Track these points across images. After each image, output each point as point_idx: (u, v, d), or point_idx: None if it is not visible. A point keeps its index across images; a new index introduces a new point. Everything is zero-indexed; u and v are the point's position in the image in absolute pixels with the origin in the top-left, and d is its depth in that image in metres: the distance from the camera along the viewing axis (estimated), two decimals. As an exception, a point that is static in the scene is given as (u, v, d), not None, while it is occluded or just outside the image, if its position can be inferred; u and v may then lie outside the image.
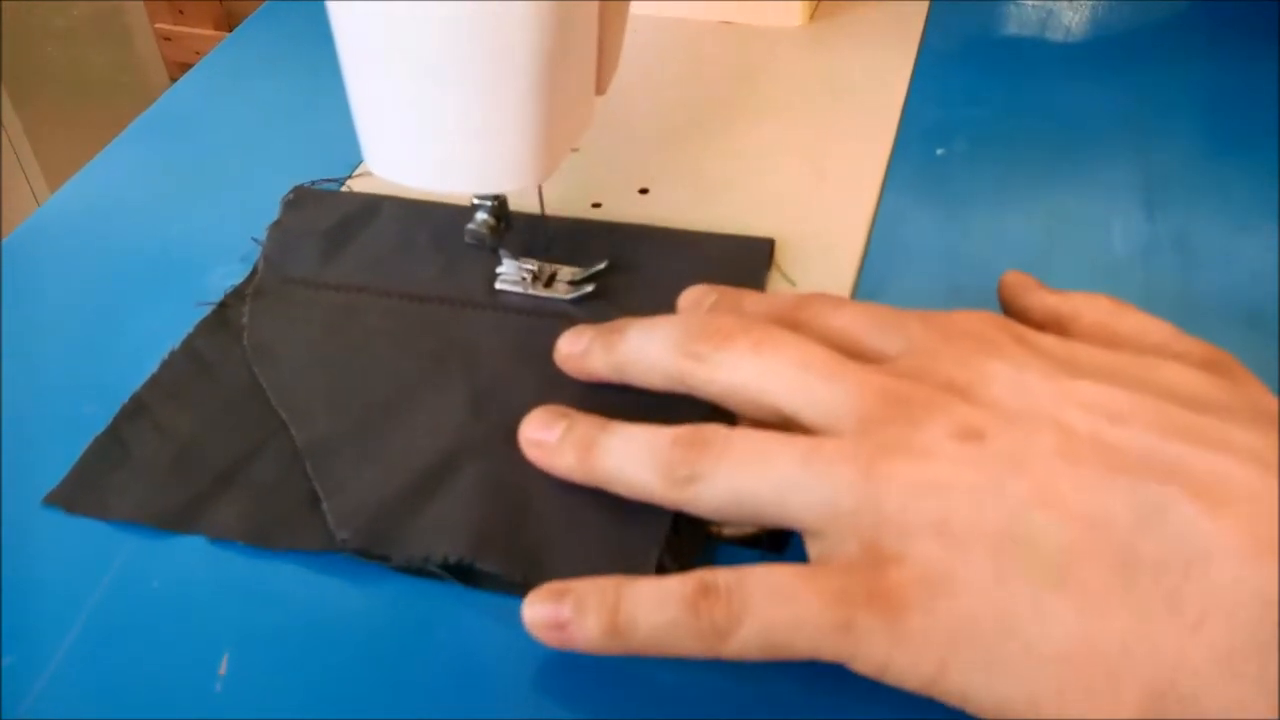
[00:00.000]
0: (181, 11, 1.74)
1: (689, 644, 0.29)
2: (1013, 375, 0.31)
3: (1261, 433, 0.28)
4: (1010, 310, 0.38)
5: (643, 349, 0.35)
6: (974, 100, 0.53)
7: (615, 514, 0.34)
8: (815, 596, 0.28)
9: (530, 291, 0.42)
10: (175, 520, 0.35)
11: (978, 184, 0.48)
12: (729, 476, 0.31)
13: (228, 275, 0.45)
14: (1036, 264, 0.43)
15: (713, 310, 0.37)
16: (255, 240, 0.46)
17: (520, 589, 0.32)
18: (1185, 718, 0.25)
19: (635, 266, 0.43)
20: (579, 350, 0.37)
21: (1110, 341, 0.34)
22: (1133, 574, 0.26)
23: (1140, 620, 0.26)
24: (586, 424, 0.34)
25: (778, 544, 0.34)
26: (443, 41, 0.32)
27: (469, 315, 0.41)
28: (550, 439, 0.34)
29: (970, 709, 0.28)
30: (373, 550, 0.34)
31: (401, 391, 0.39)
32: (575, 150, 0.49)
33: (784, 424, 0.32)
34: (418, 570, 0.33)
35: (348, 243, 0.45)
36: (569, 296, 0.42)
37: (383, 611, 0.33)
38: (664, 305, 0.38)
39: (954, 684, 0.27)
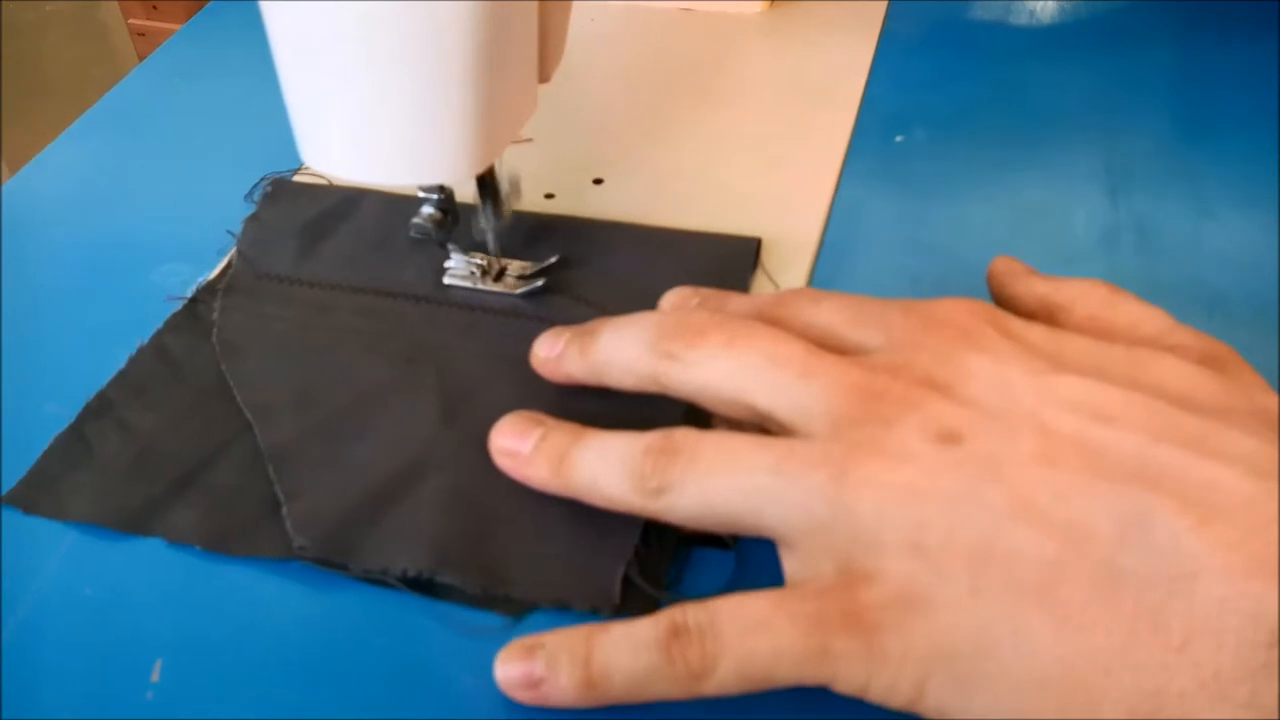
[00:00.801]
0: (155, 7, 1.72)
1: (666, 689, 0.28)
2: (993, 371, 0.29)
3: (1259, 437, 0.27)
4: (999, 299, 0.37)
5: (616, 350, 0.34)
6: (935, 87, 0.52)
7: (583, 527, 0.33)
8: (790, 624, 0.28)
9: (480, 286, 0.41)
10: (132, 523, 0.34)
11: (938, 171, 0.47)
12: (699, 485, 0.30)
13: (176, 270, 0.44)
14: (997, 252, 0.43)
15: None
16: (230, 234, 0.45)
17: (481, 602, 0.31)
18: None
19: (615, 265, 0.42)
20: (555, 354, 0.36)
21: (1103, 333, 0.32)
22: (1115, 591, 0.25)
23: (1122, 640, 0.25)
24: (559, 433, 0.33)
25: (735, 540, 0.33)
26: (374, 30, 0.31)
27: (444, 315, 0.40)
28: (523, 449, 0.33)
29: None
30: (330, 559, 0.33)
31: (370, 394, 0.37)
32: (528, 140, 0.48)
33: (761, 422, 0.31)
34: (376, 581, 0.32)
35: (325, 238, 0.44)
36: (519, 291, 0.41)
37: (328, 616, 0.32)
38: (647, 306, 0.37)
39: (932, 704, 0.27)
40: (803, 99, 0.51)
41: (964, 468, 0.27)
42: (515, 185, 0.41)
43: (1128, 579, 0.25)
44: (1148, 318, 0.33)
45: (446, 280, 0.41)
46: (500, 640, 0.30)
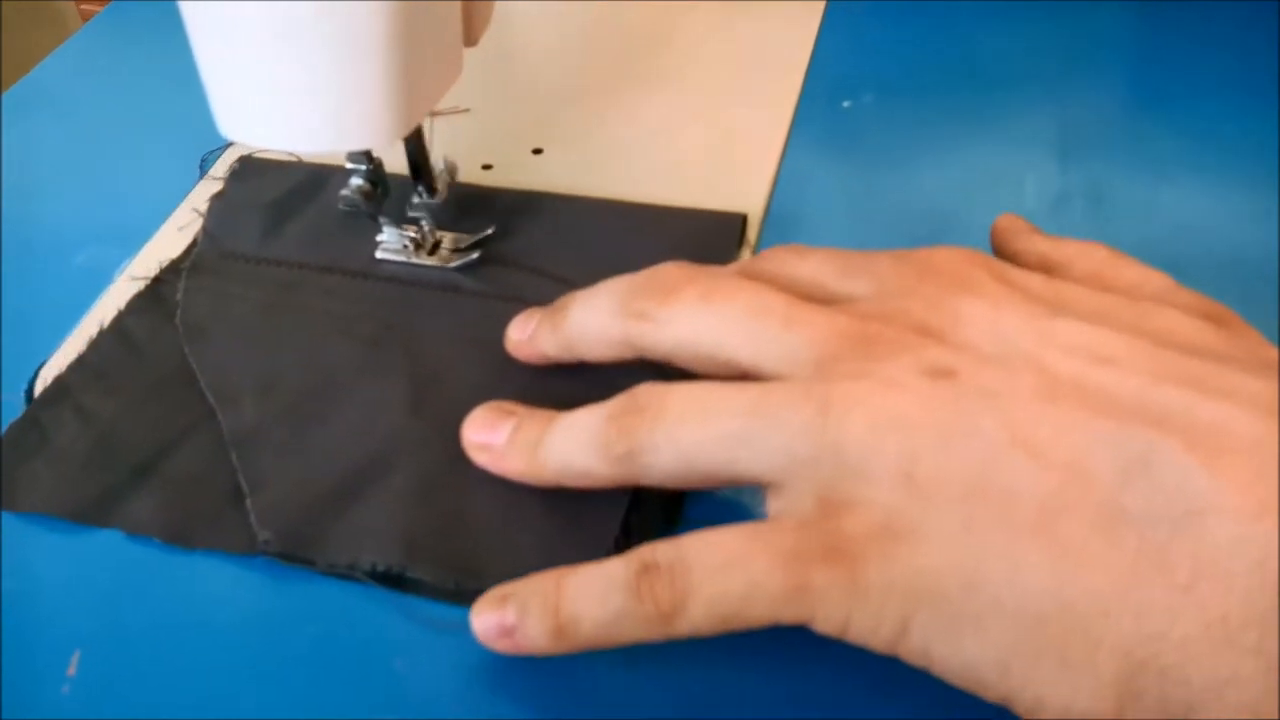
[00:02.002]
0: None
1: (636, 630, 0.27)
2: (989, 315, 0.28)
3: (1264, 380, 0.25)
4: (1000, 255, 0.35)
5: (586, 320, 0.33)
6: (884, 51, 0.51)
7: (560, 517, 0.31)
8: (764, 559, 0.26)
9: (413, 260, 0.40)
10: (87, 513, 0.33)
11: (886, 137, 0.46)
12: (671, 440, 0.28)
13: (101, 253, 0.42)
14: (946, 219, 0.42)
15: None
16: (196, 211, 0.43)
17: (453, 596, 0.30)
18: (1167, 691, 0.23)
19: (587, 242, 0.40)
20: (527, 335, 0.35)
21: (1103, 290, 0.31)
22: (1116, 529, 0.24)
23: (1123, 580, 0.23)
24: (532, 421, 0.32)
25: None
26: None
27: (413, 295, 0.39)
28: (496, 441, 0.32)
29: (936, 671, 0.25)
30: (295, 554, 0.31)
31: (335, 378, 0.36)
32: (466, 110, 0.47)
33: (744, 380, 0.30)
34: (343, 575, 0.31)
35: (292, 216, 0.42)
36: (453, 264, 0.39)
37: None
38: None
39: (916, 644, 0.25)
40: (748, 65, 0.50)
41: (959, 400, 0.26)
42: (451, 169, 0.40)
43: (1131, 517, 0.24)
44: (1149, 278, 0.32)
45: (379, 254, 0.40)
46: (471, 636, 0.29)
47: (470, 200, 0.42)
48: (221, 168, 0.45)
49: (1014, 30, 0.52)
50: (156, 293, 0.40)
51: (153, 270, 0.41)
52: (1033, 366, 0.27)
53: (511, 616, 0.28)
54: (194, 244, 0.42)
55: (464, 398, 0.34)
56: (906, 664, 0.26)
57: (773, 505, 0.28)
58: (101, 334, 0.38)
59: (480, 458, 0.32)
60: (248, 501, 0.32)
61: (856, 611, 0.25)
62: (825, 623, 0.26)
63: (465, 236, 0.40)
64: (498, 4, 0.41)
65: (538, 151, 0.46)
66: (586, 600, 0.28)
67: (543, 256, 0.40)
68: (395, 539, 0.31)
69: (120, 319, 0.39)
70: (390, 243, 0.40)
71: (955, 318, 0.28)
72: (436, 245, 0.40)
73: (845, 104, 0.48)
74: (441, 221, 0.41)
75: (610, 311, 0.32)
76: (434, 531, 0.32)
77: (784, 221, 0.42)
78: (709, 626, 0.27)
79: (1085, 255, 0.33)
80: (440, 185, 0.39)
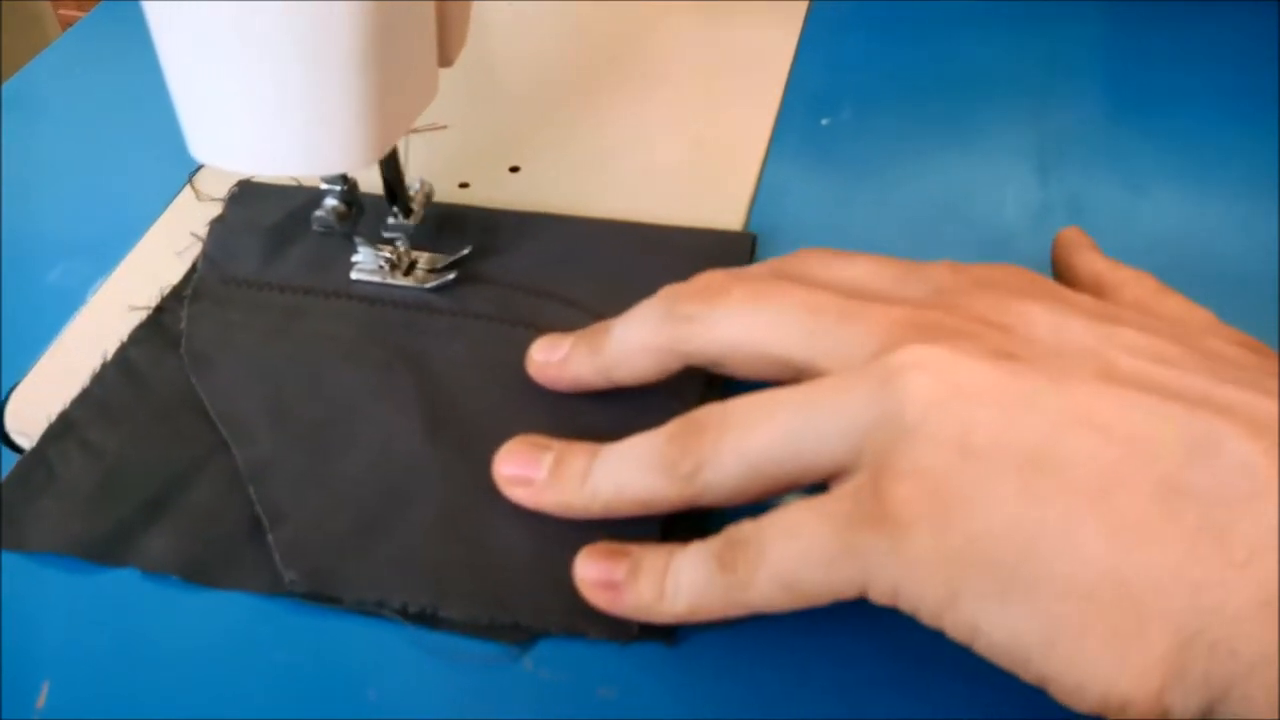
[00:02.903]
0: (87, -4, 1.69)
1: (720, 603, 0.28)
2: (1052, 318, 0.28)
3: None
4: (1057, 267, 0.36)
5: (628, 335, 0.32)
6: (863, 66, 0.51)
7: (585, 542, 0.31)
8: (819, 524, 0.26)
9: (389, 281, 0.39)
10: (101, 551, 0.32)
11: (865, 153, 0.46)
12: (735, 450, 0.28)
13: (75, 269, 0.42)
14: (925, 235, 0.42)
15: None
16: (195, 236, 0.42)
17: (484, 631, 0.30)
18: (1213, 667, 0.23)
19: (590, 262, 0.40)
20: (557, 357, 0.34)
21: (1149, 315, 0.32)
22: (1177, 505, 0.24)
23: (1180, 556, 0.23)
24: (574, 453, 0.31)
25: None
26: (256, 18, 0.30)
27: (422, 319, 0.38)
28: (536, 475, 0.31)
29: (979, 646, 0.25)
30: (321, 593, 0.31)
31: (349, 406, 0.35)
32: (443, 127, 0.46)
33: (795, 379, 0.29)
34: (370, 612, 0.31)
35: (294, 240, 0.41)
36: (429, 285, 0.39)
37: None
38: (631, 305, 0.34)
39: (964, 614, 0.25)
40: (727, 81, 0.50)
41: (1022, 376, 0.26)
42: (427, 190, 0.39)
43: (1191, 495, 0.24)
44: (1193, 312, 0.32)
45: (354, 275, 0.40)
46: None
47: (447, 220, 0.42)
48: (215, 188, 0.44)
49: (992, 42, 0.52)
50: (159, 322, 0.39)
51: (151, 298, 0.40)
52: (1095, 359, 0.27)
53: (621, 573, 0.29)
54: (193, 269, 0.41)
55: (480, 424, 0.33)
56: (951, 639, 0.26)
57: (835, 481, 0.28)
58: (105, 366, 0.37)
59: (515, 492, 0.32)
60: (269, 538, 0.32)
61: (906, 578, 0.25)
62: (877, 589, 0.26)
63: (441, 256, 0.40)
64: (473, 22, 0.41)
65: (515, 169, 0.45)
66: (687, 569, 0.28)
67: (531, 276, 0.39)
68: (423, 576, 0.31)
69: (123, 350, 0.38)
70: (365, 263, 0.40)
71: (1019, 316, 0.28)
72: (412, 266, 0.40)
73: (824, 121, 0.48)
74: (418, 241, 0.40)
75: (654, 320, 0.32)
76: (462, 566, 0.31)
77: (764, 236, 0.42)
78: (778, 596, 0.27)
79: (1137, 282, 0.33)
80: (416, 206, 0.39)
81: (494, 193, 0.44)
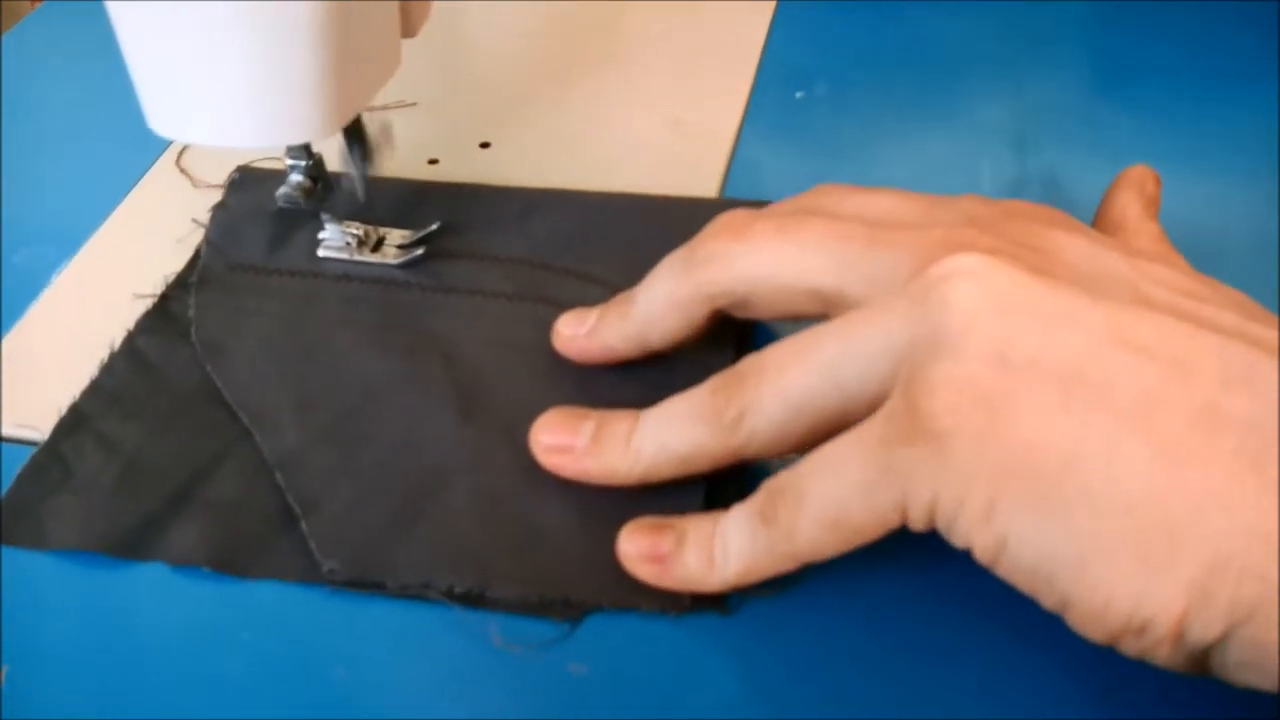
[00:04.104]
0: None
1: (767, 559, 0.27)
2: (1088, 248, 0.28)
3: None
4: (1105, 196, 0.35)
5: (653, 294, 0.32)
6: (838, 40, 0.51)
7: (628, 515, 0.30)
8: (855, 452, 0.26)
9: (356, 257, 0.39)
10: (126, 546, 0.31)
11: (840, 128, 0.46)
12: (776, 390, 0.28)
13: (40, 253, 0.41)
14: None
15: None
16: (197, 223, 0.41)
17: (534, 610, 0.29)
18: (1240, 591, 0.22)
19: (612, 239, 0.39)
20: (585, 330, 0.34)
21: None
22: (1215, 429, 0.23)
23: (1218, 479, 0.23)
24: (614, 419, 0.31)
25: None
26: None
27: (440, 300, 0.38)
28: (577, 442, 0.31)
29: (1004, 564, 0.25)
30: (363, 580, 0.30)
31: (375, 391, 0.35)
32: (412, 104, 0.46)
33: (827, 311, 0.29)
34: (414, 596, 0.30)
35: (299, 224, 0.40)
36: (397, 261, 0.38)
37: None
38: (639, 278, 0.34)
39: (997, 526, 0.24)
40: (700, 56, 0.49)
41: (1061, 294, 0.25)
42: (386, 131, 0.39)
43: (1230, 420, 0.23)
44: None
45: (321, 252, 0.39)
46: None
47: (416, 195, 0.41)
48: (210, 174, 0.44)
49: (968, 18, 0.52)
50: (165, 310, 0.38)
51: (117, 283, 0.39)
52: (1131, 287, 0.26)
53: (668, 545, 0.28)
54: (196, 256, 0.40)
55: (511, 402, 0.33)
56: (977, 558, 0.25)
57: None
58: (113, 356, 0.36)
59: (554, 460, 0.31)
60: (302, 526, 0.31)
61: (944, 488, 0.24)
62: (915, 507, 0.25)
63: (410, 233, 0.39)
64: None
65: (485, 145, 0.45)
66: (734, 532, 0.28)
67: (546, 252, 0.39)
68: (468, 557, 0.30)
69: (131, 339, 0.37)
70: (332, 240, 0.39)
71: (1053, 242, 0.28)
72: (380, 242, 0.39)
73: (798, 94, 0.47)
74: (385, 218, 0.40)
75: (677, 270, 0.31)
76: (507, 545, 0.30)
77: (737, 213, 0.42)
78: (825, 538, 0.26)
79: (1152, 239, 0.33)
80: (374, 152, 0.38)
81: (464, 169, 0.43)
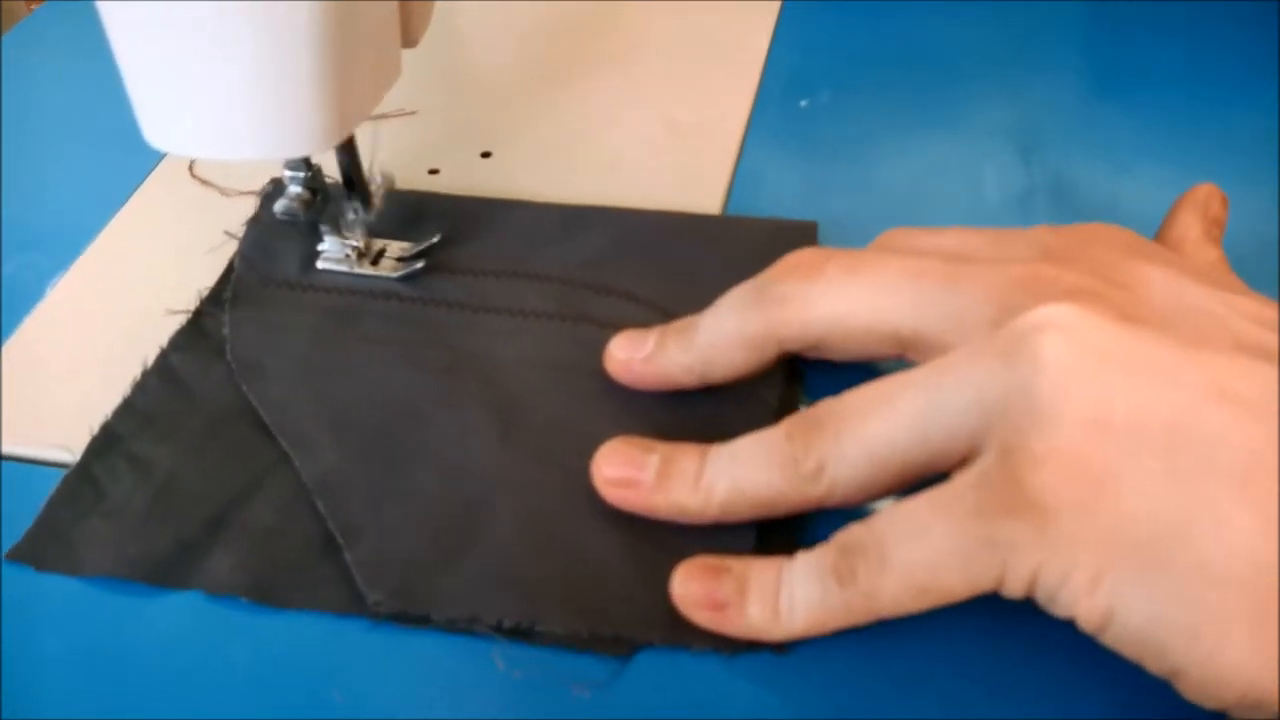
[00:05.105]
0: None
1: (841, 616, 0.26)
2: (1170, 282, 0.27)
3: None
4: (1174, 209, 0.35)
5: (719, 328, 0.31)
6: (841, 46, 0.50)
7: (680, 549, 0.29)
8: (947, 520, 0.25)
9: (356, 270, 0.38)
10: (161, 573, 0.30)
11: (844, 135, 0.45)
12: (857, 443, 0.27)
13: (32, 262, 0.41)
14: (905, 217, 0.41)
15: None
16: (229, 235, 0.41)
17: (583, 644, 0.28)
18: None
19: (652, 257, 0.38)
20: (642, 354, 0.33)
21: None
22: None
23: None
24: (682, 453, 0.30)
25: None
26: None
27: (479, 319, 0.37)
28: (643, 478, 0.30)
29: (1111, 633, 0.24)
30: (409, 612, 0.29)
31: (415, 414, 0.34)
32: (412, 113, 0.45)
33: (903, 353, 0.28)
34: (462, 630, 0.29)
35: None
36: (396, 274, 0.38)
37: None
38: (699, 301, 0.33)
39: (1103, 598, 0.23)
40: (703, 63, 0.49)
41: (1157, 345, 0.24)
42: (388, 180, 0.38)
43: None
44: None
45: (320, 265, 0.39)
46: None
47: (417, 207, 0.41)
48: (214, 180, 0.43)
49: (972, 23, 0.51)
50: (199, 327, 0.37)
51: (112, 295, 0.38)
52: (1222, 326, 0.26)
53: (726, 591, 0.27)
54: (229, 270, 0.39)
55: (552, 425, 0.32)
56: (1081, 627, 0.24)
57: (957, 470, 0.26)
58: (146, 374, 0.35)
59: (618, 494, 0.30)
60: (346, 555, 0.30)
61: (1048, 562, 0.24)
62: (1014, 579, 0.24)
63: (410, 245, 0.39)
64: (440, 2, 0.40)
65: (486, 155, 0.44)
66: (800, 584, 0.27)
67: (587, 271, 0.38)
68: (515, 589, 0.29)
69: (164, 356, 0.36)
70: (331, 252, 0.38)
71: (1135, 276, 0.27)
72: (380, 254, 0.39)
73: (803, 103, 0.47)
74: (381, 230, 0.39)
75: (746, 307, 0.31)
76: (555, 577, 0.30)
77: (741, 221, 0.41)
78: (908, 599, 0.25)
79: (1212, 266, 0.32)
80: (376, 199, 0.38)
81: (465, 179, 0.43)
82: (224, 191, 0.43)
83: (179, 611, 0.30)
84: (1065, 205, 0.41)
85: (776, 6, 0.52)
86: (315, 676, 0.29)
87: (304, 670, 0.29)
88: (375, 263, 0.38)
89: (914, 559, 0.25)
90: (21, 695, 0.28)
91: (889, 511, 0.26)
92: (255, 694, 0.28)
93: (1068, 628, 0.25)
